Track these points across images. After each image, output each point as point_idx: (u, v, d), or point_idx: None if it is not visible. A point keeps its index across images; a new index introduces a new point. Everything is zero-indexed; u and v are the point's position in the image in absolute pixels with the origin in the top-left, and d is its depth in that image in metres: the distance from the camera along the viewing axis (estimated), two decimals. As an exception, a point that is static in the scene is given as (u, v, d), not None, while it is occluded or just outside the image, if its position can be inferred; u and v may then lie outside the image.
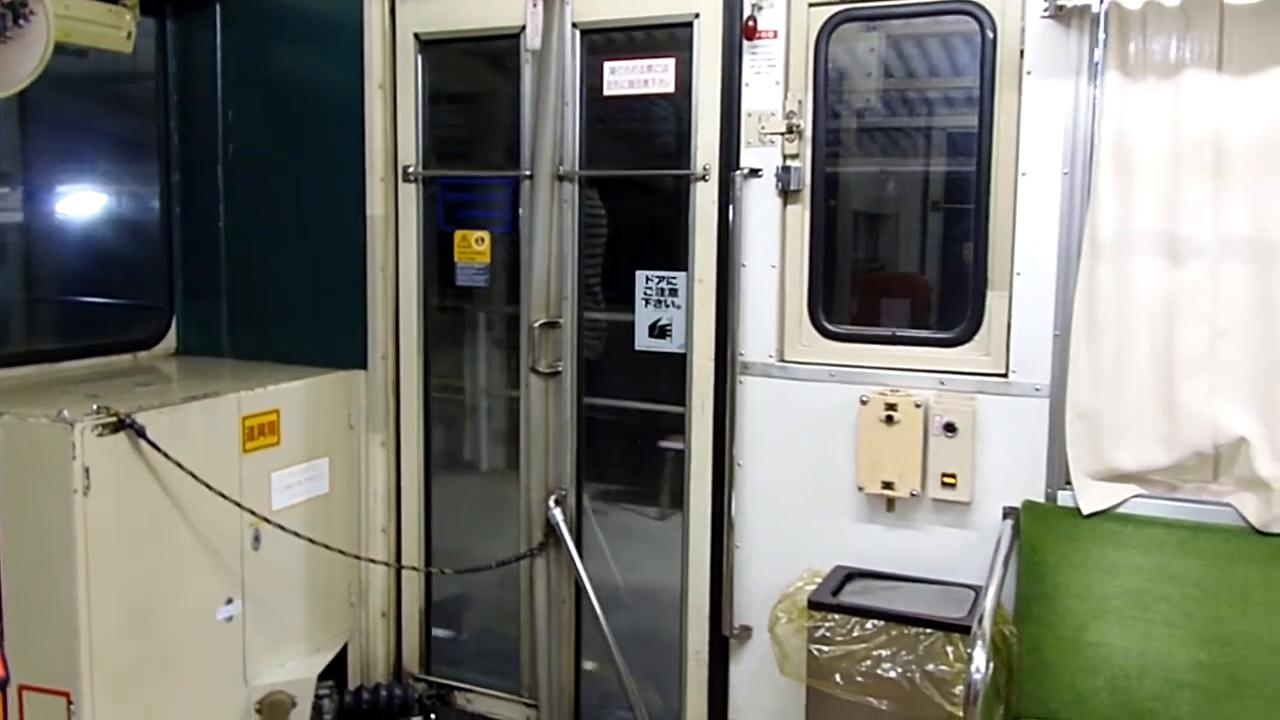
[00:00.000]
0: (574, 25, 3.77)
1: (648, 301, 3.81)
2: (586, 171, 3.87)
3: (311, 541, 3.76)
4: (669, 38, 3.72)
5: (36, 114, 4.02)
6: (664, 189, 3.92)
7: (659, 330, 3.80)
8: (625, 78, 3.76)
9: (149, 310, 4.42)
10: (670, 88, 3.71)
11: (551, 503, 3.93)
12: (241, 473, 3.61)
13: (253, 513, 3.62)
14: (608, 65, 3.78)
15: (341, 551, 3.92)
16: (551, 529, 3.93)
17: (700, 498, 3.72)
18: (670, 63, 3.70)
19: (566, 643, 4.04)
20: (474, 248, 4.13)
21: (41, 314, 4.28)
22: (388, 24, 4.06)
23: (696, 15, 3.57)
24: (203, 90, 4.30)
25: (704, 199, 3.62)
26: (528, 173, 3.87)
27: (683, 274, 3.72)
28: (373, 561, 4.18)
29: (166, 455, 3.27)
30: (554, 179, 3.81)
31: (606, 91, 3.80)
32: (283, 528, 3.70)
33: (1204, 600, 3.02)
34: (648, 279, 3.80)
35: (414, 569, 4.26)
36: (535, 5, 3.70)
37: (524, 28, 3.74)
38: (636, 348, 3.84)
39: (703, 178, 3.61)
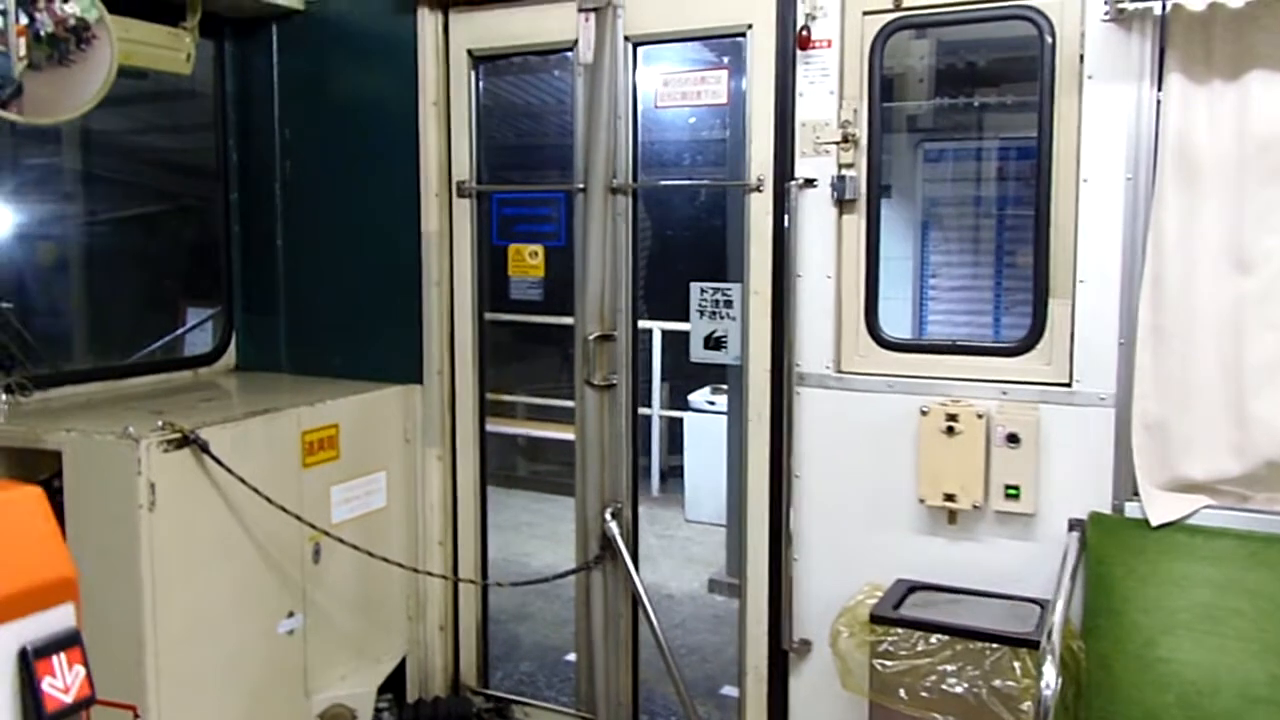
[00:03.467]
0: (626, 38, 3.77)
1: (702, 313, 3.80)
2: (640, 184, 3.87)
3: (370, 555, 3.78)
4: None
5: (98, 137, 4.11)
6: (717, 200, 3.91)
7: (714, 342, 3.78)
8: (678, 89, 3.76)
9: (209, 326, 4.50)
10: (723, 99, 3.71)
11: (608, 515, 3.93)
12: (302, 487, 3.65)
13: (313, 526, 3.66)
14: (661, 77, 3.79)
15: (399, 564, 3.95)
16: (608, 541, 3.93)
17: (758, 510, 3.69)
18: (723, 74, 3.70)
19: (624, 656, 4.03)
20: (528, 261, 4.15)
21: (106, 332, 4.37)
22: (441, 41, 4.10)
23: (750, 26, 3.56)
24: (260, 110, 4.38)
25: (759, 210, 3.60)
26: (581, 186, 3.88)
27: (737, 285, 3.71)
28: (430, 574, 4.20)
29: (230, 470, 3.32)
30: (607, 191, 3.82)
31: (659, 104, 3.80)
32: (342, 541, 3.74)
33: (1278, 614, 2.94)
34: (702, 290, 3.79)
35: (471, 581, 4.28)
36: (587, 19, 3.72)
37: (576, 41, 3.76)
38: (691, 359, 3.83)
39: (757, 188, 3.60)
